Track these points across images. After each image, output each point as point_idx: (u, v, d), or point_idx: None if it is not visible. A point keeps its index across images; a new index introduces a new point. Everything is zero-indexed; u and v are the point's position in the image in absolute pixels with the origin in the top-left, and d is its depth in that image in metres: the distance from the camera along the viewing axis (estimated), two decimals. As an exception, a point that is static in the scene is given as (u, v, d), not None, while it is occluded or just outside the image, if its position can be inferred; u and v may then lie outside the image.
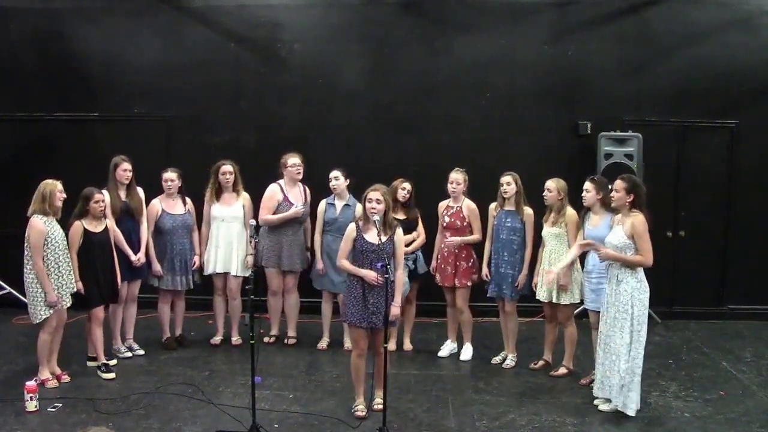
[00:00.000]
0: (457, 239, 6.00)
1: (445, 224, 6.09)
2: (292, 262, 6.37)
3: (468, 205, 6.06)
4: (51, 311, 5.23)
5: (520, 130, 7.45)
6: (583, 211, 5.48)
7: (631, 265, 4.85)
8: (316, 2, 7.57)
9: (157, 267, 6.16)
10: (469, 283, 6.05)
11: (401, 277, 4.94)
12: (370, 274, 4.74)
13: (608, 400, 5.01)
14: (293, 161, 6.31)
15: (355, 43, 7.52)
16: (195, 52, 7.54)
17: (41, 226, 5.15)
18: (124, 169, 5.94)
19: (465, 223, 6.03)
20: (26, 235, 5.18)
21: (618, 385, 4.89)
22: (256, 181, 6.51)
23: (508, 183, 5.82)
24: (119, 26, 7.57)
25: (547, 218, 5.73)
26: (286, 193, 6.35)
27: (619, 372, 4.87)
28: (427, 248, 6.28)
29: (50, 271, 5.19)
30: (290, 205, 6.29)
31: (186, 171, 6.30)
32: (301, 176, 6.35)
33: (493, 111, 7.48)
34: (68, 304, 5.34)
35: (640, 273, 4.89)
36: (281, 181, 6.38)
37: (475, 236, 6.05)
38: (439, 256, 6.16)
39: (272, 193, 6.35)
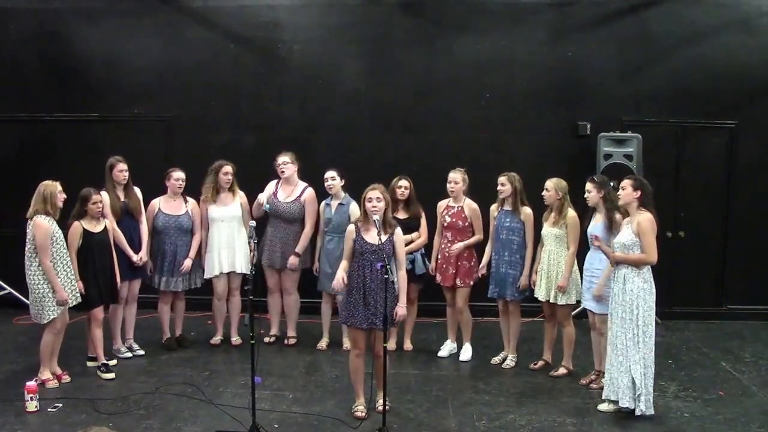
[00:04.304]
0: (461, 245, 5.99)
1: (446, 224, 6.06)
2: (275, 260, 6.33)
3: (469, 205, 6.06)
4: (59, 310, 5.23)
5: (520, 130, 7.46)
6: (589, 212, 5.47)
7: (636, 264, 4.85)
8: (316, 2, 7.57)
9: (150, 265, 6.18)
10: (471, 283, 6.05)
11: (404, 277, 4.92)
12: (336, 278, 4.79)
13: (613, 402, 4.95)
14: (280, 159, 6.31)
15: (355, 43, 7.52)
16: (195, 53, 7.54)
17: (47, 225, 5.14)
18: (120, 170, 5.94)
19: (467, 223, 6.02)
20: (30, 235, 5.16)
21: (628, 385, 4.85)
22: (255, 181, 6.51)
23: (503, 184, 5.83)
24: (119, 26, 7.57)
25: (547, 217, 5.73)
26: (278, 189, 6.37)
27: (630, 372, 4.82)
28: (428, 249, 6.26)
29: (57, 270, 5.20)
30: (276, 201, 6.31)
31: (186, 171, 6.28)
32: (285, 174, 6.30)
33: (493, 111, 7.48)
34: (74, 303, 5.34)
35: (647, 273, 4.86)
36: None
37: (477, 237, 6.05)
38: (439, 257, 6.14)
39: (267, 187, 6.42)
